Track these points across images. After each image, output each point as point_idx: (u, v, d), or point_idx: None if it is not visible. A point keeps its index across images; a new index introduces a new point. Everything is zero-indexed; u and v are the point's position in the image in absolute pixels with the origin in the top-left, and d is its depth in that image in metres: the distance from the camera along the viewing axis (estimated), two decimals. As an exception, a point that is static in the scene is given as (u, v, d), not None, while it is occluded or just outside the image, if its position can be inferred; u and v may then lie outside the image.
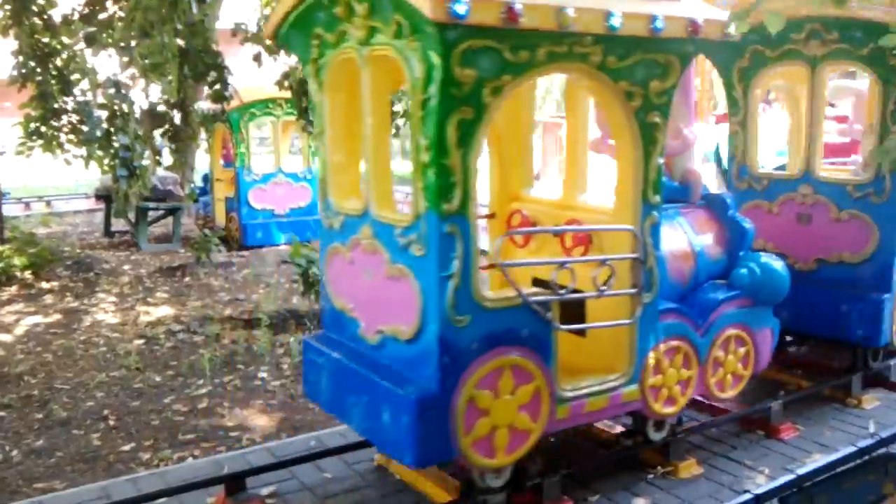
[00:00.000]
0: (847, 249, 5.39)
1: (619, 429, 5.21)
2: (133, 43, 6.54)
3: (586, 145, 4.92)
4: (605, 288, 3.94)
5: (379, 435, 3.91)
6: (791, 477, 2.31)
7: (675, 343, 4.40)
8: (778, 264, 4.80)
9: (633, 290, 4.10)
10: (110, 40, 6.96)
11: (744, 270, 4.74)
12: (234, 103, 10.61)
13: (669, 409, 4.47)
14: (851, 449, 2.50)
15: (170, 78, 6.87)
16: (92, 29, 6.92)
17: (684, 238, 4.73)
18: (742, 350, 4.78)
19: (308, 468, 4.80)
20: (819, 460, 2.50)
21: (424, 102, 3.41)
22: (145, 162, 7.43)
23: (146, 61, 6.45)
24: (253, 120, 12.10)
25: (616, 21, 3.53)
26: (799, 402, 5.66)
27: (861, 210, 5.30)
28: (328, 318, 4.47)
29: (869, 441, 2.54)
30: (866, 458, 2.52)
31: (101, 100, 7.74)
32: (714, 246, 4.87)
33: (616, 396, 4.18)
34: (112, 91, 7.16)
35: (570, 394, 3.96)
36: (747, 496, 2.26)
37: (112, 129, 7.58)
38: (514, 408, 3.75)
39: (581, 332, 4.10)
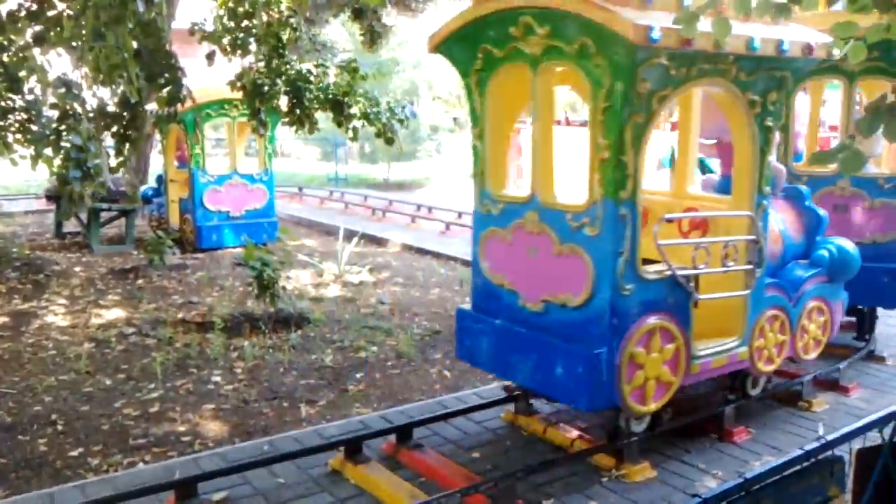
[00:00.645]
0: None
1: (574, 433, 5.24)
2: (83, 43, 6.39)
3: (696, 146, 5.80)
4: (731, 264, 4.84)
5: (550, 386, 4.68)
6: (738, 481, 2.32)
7: (774, 312, 5.28)
8: (850, 246, 5.73)
9: (749, 266, 4.98)
10: (59, 39, 6.81)
11: (824, 252, 5.67)
12: (188, 104, 10.50)
13: (769, 368, 5.35)
14: (797, 452, 2.53)
15: (125, 79, 6.73)
16: (39, 27, 6.76)
17: (774, 224, 5.49)
18: (821, 319, 5.70)
19: (261, 473, 4.75)
20: (766, 464, 2.53)
21: (606, 109, 4.20)
22: (98, 162, 7.27)
23: (104, 62, 6.31)
24: (208, 121, 11.94)
25: (757, 44, 4.38)
26: (752, 406, 5.75)
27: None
28: (480, 292, 5.21)
29: (814, 444, 2.57)
30: (812, 460, 2.55)
31: (52, 99, 7.56)
32: (796, 231, 5.74)
33: (733, 356, 5.06)
34: (62, 91, 7.00)
35: (701, 353, 4.83)
36: (695, 500, 2.27)
37: (62, 130, 7.41)
38: (660, 363, 4.58)
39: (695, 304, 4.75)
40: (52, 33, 6.79)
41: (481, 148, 5.09)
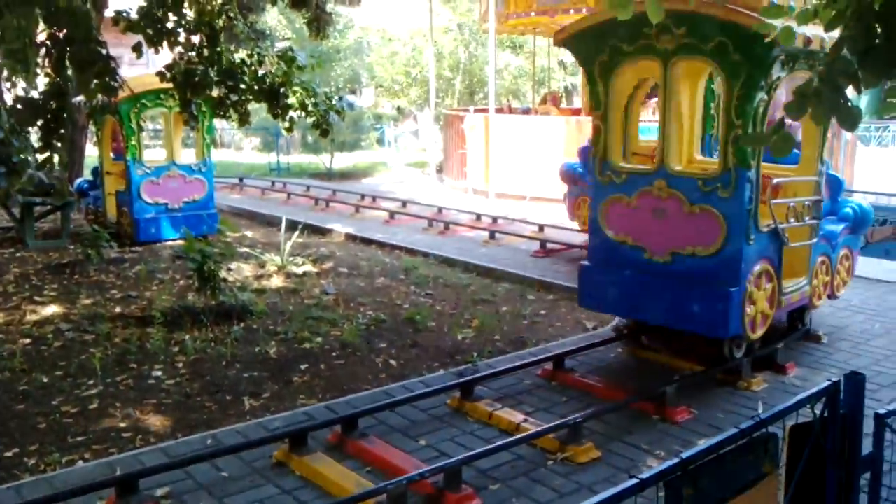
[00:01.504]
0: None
1: (519, 417, 5.28)
2: None
3: None
4: (807, 219, 6.30)
5: (686, 320, 5.90)
6: (675, 460, 2.36)
7: (823, 258, 6.72)
8: (866, 203, 7.45)
9: (815, 221, 6.40)
10: None
11: (849, 209, 7.12)
12: (123, 94, 10.24)
13: (819, 303, 6.85)
14: (733, 431, 2.58)
15: (23, 66, 6.48)
16: None
17: None
18: (847, 263, 7.20)
19: (204, 467, 4.69)
20: (703, 443, 2.58)
21: (742, 96, 5.40)
22: (24, 157, 7.03)
23: (2, 47, 6.07)
24: (144, 111, 11.66)
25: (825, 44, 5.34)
26: (693, 386, 5.86)
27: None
28: (600, 251, 6.37)
29: (749, 422, 2.62)
30: (747, 438, 2.60)
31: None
32: (825, 193, 6.74)
33: (802, 293, 6.49)
34: None
35: (786, 290, 6.20)
36: (632, 481, 2.30)
37: None
38: (764, 299, 5.89)
39: None
40: None
41: (604, 128, 6.22)
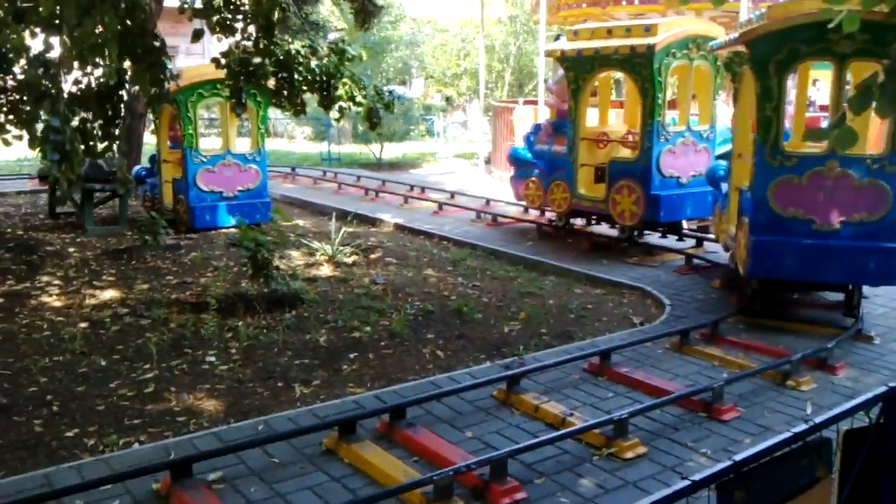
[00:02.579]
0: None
1: (565, 411, 5.31)
2: (64, 22, 6.33)
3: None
4: None
5: (863, 276, 7.11)
6: (728, 463, 2.37)
7: None
8: None
9: None
10: (38, 17, 6.74)
11: None
12: (182, 83, 10.43)
13: None
14: (787, 434, 2.57)
15: (105, 61, 6.66)
16: (25, 4, 6.69)
17: None
18: None
19: (256, 453, 4.80)
20: (756, 446, 2.57)
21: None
22: (77, 145, 7.21)
23: (79, 44, 6.25)
24: (200, 101, 11.89)
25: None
26: (740, 383, 5.82)
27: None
28: (769, 225, 7.11)
29: (803, 426, 2.61)
30: (801, 443, 2.59)
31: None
32: None
33: None
34: (40, 71, 6.94)
35: None
36: (685, 483, 2.32)
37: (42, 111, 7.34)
38: None
39: None
40: (33, 12, 6.73)
41: (775, 119, 6.99)
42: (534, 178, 11.49)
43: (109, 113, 7.07)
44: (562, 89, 11.40)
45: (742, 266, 7.50)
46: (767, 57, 6.97)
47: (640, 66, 9.88)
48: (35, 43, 7.33)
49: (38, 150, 7.53)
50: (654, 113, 9.84)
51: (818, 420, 2.62)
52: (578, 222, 11.83)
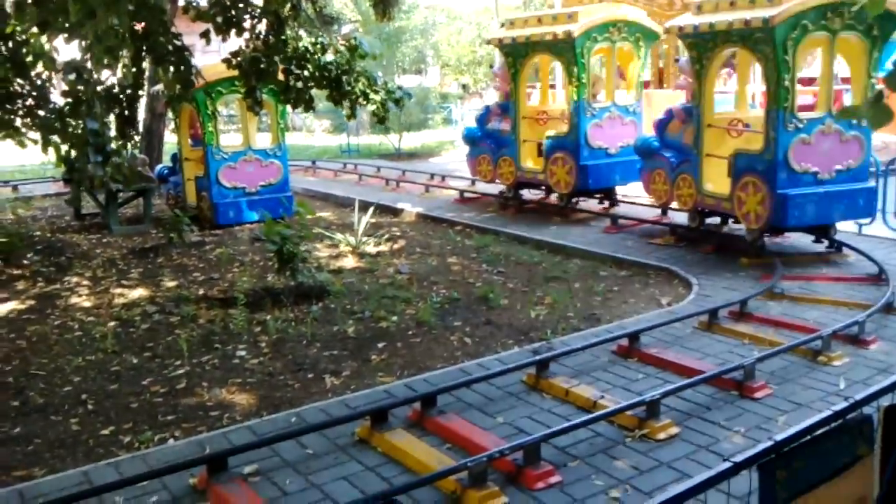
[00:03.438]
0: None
1: (596, 393, 5.30)
2: (73, 24, 6.38)
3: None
4: None
5: (851, 213, 8.90)
6: (769, 443, 2.35)
7: None
8: None
9: None
10: (66, 24, 6.80)
11: None
12: (199, 82, 10.46)
13: None
14: (827, 412, 2.55)
15: (124, 62, 6.71)
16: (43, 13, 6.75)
17: None
18: None
19: (290, 445, 4.83)
20: (796, 426, 2.55)
21: (877, 59, 8.55)
22: (115, 146, 7.30)
23: (97, 44, 6.30)
24: (220, 98, 11.94)
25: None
26: (771, 360, 5.78)
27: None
28: (786, 178, 8.43)
29: (844, 404, 2.59)
30: (841, 420, 2.57)
31: (63, 86, 7.57)
32: None
33: None
34: (73, 76, 7.00)
35: None
36: (727, 464, 2.31)
37: (69, 115, 7.41)
38: None
39: None
40: (58, 19, 6.78)
41: (791, 88, 8.31)
42: (485, 155, 12.89)
43: (126, 113, 7.12)
44: (505, 73, 12.56)
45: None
46: (785, 35, 8.11)
47: (564, 50, 11.11)
48: (61, 48, 7.40)
49: (47, 153, 7.63)
50: (580, 92, 11.05)
51: (858, 397, 2.59)
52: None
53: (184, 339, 6.92)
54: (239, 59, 8.05)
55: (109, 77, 7.28)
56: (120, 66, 7.05)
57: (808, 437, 2.48)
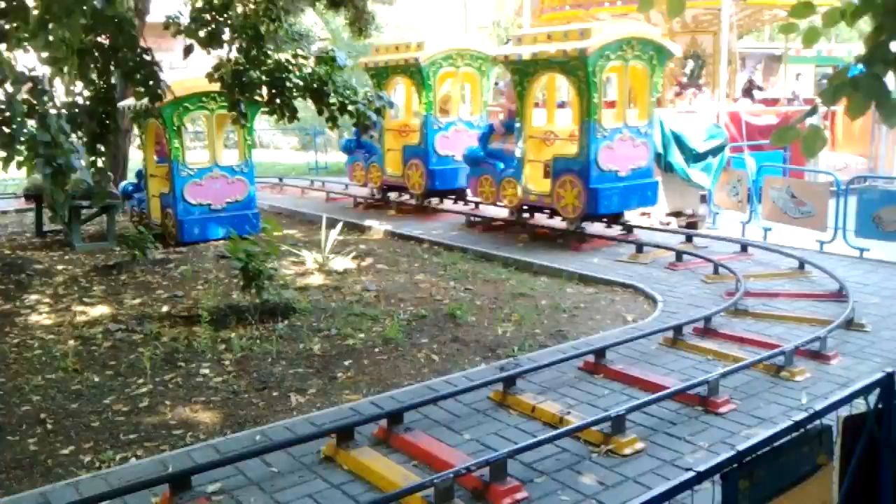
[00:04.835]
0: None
1: (562, 409, 5.31)
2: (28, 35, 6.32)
3: None
4: None
5: (643, 202, 11.44)
6: (731, 453, 2.37)
7: None
8: None
9: None
10: (25, 35, 6.72)
11: None
12: (167, 98, 10.39)
13: None
14: (788, 423, 2.58)
15: (66, 74, 6.62)
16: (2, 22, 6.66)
17: None
18: None
19: (254, 463, 4.78)
20: (758, 435, 2.58)
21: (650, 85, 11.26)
22: (69, 159, 7.19)
23: (47, 55, 6.23)
24: (186, 114, 11.85)
25: None
26: (735, 376, 5.84)
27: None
28: (596, 176, 10.61)
29: (804, 414, 2.62)
30: (802, 430, 2.60)
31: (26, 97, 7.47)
32: None
33: None
34: (29, 86, 6.90)
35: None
36: (689, 474, 2.32)
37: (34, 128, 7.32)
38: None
39: None
40: (17, 28, 6.70)
41: (598, 104, 10.73)
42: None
43: (98, 129, 7.04)
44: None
45: (574, 211, 10.84)
46: (595, 62, 10.35)
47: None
48: (25, 60, 7.29)
49: (18, 168, 7.50)
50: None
51: (818, 408, 2.63)
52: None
53: (147, 357, 6.82)
54: (221, 72, 8.02)
55: (80, 91, 7.20)
56: (72, 77, 6.93)
57: (770, 447, 2.51)
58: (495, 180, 12.17)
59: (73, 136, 7.26)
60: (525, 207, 12.14)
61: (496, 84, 14.52)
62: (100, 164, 7.62)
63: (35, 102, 6.90)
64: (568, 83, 11.74)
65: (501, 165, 12.10)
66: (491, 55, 13.30)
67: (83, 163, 7.81)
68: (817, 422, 2.65)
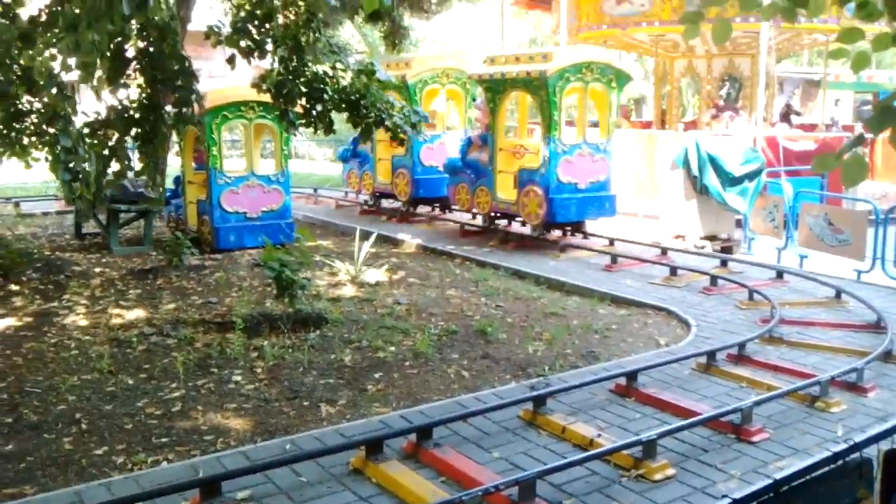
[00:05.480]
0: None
1: (593, 432, 5.28)
2: (58, 38, 6.45)
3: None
4: None
5: (600, 212, 12.24)
6: (767, 482, 2.35)
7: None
8: None
9: None
10: (54, 39, 6.87)
11: None
12: (206, 106, 10.54)
13: None
14: (826, 453, 2.55)
15: (91, 78, 6.74)
16: (29, 27, 6.81)
17: None
18: None
19: (284, 472, 4.81)
20: (795, 465, 2.55)
21: (609, 106, 12.31)
22: (86, 165, 7.31)
23: (72, 57, 6.36)
24: (225, 123, 12.00)
25: None
26: (769, 405, 5.77)
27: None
28: (556, 187, 11.63)
29: (843, 446, 2.59)
30: (840, 462, 2.57)
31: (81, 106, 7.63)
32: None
33: None
34: (54, 91, 7.04)
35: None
36: (725, 501, 2.30)
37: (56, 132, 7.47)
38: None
39: None
40: (47, 33, 6.85)
41: (559, 122, 11.80)
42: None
43: (147, 134, 7.17)
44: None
45: (535, 218, 11.88)
46: (555, 83, 11.41)
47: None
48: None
49: (51, 170, 7.66)
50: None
51: (858, 440, 2.60)
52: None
53: (180, 361, 6.90)
54: (268, 82, 8.14)
55: (126, 96, 7.34)
56: (99, 81, 7.05)
57: (808, 478, 2.48)
58: (470, 189, 13.31)
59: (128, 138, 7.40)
60: (495, 214, 13.40)
61: (473, 100, 15.27)
62: (151, 168, 7.77)
63: (58, 107, 7.04)
64: (533, 101, 12.63)
65: (475, 176, 13.19)
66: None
67: (136, 165, 7.96)
68: (857, 454, 2.62)
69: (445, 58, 15.84)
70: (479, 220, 14.03)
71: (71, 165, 7.09)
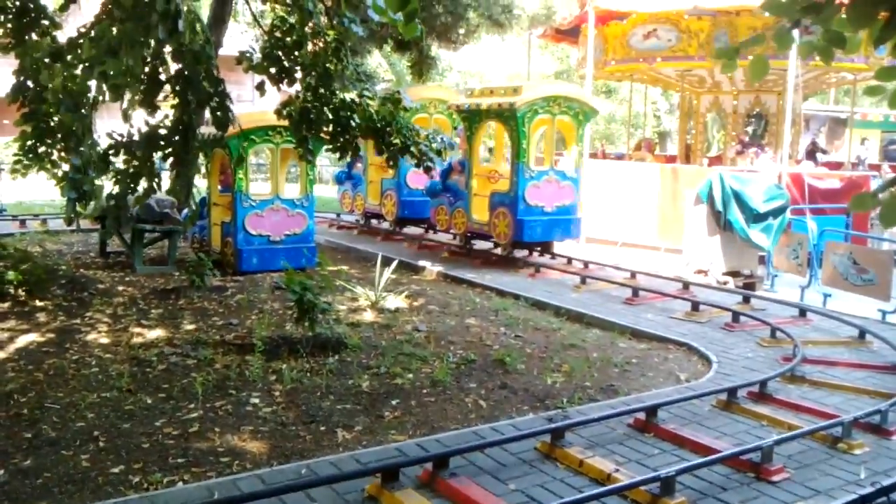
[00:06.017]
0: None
1: (611, 467, 5.23)
2: (96, 61, 6.56)
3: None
4: None
5: (566, 234, 13.37)
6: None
7: None
8: None
9: None
10: (80, 59, 6.99)
11: None
12: (233, 129, 10.67)
13: None
14: (853, 496, 2.52)
15: (125, 101, 6.86)
16: (61, 47, 6.94)
17: None
18: None
19: (298, 497, 4.80)
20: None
21: (576, 137, 13.45)
22: (96, 186, 7.40)
23: (106, 80, 6.47)
24: (252, 146, 12.13)
25: None
26: (790, 444, 5.70)
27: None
28: (523, 209, 12.53)
29: (870, 489, 2.55)
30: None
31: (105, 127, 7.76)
32: None
33: None
34: (71, 111, 7.15)
35: None
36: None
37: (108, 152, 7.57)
38: None
39: None
40: (76, 52, 6.96)
41: (528, 150, 12.61)
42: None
43: (179, 155, 7.26)
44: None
45: (504, 238, 12.97)
46: (524, 115, 12.48)
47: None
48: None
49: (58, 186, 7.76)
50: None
51: (885, 483, 2.56)
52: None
53: (199, 382, 6.92)
54: (289, 108, 8.23)
55: (162, 119, 7.45)
56: (130, 104, 7.15)
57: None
58: (449, 210, 14.32)
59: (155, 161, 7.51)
60: (470, 234, 14.31)
61: (455, 128, 16.20)
62: (182, 188, 7.85)
63: (72, 126, 7.14)
64: (505, 130, 13.67)
65: (454, 198, 14.26)
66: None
67: (161, 188, 8.06)
68: (884, 498, 2.58)
69: (433, 89, 16.83)
70: (458, 241, 14.98)
71: (77, 185, 7.20)
